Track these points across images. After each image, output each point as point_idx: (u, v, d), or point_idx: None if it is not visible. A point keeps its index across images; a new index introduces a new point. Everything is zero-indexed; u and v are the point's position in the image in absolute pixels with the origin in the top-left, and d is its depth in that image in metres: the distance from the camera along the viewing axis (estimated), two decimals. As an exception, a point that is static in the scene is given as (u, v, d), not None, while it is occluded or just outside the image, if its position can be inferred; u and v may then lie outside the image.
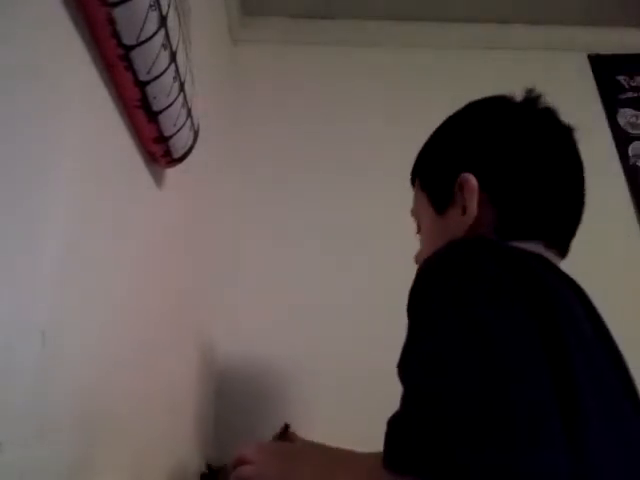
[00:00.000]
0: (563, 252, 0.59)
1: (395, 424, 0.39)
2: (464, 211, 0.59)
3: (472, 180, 0.58)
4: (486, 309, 0.40)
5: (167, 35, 0.58)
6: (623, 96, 1.50)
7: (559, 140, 0.60)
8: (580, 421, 0.36)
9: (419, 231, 0.71)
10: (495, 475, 0.32)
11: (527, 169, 0.58)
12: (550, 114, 0.62)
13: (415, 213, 0.72)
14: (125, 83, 0.58)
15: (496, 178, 0.58)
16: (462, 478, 0.32)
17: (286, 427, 0.88)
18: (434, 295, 0.44)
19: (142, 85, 0.58)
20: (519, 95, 0.63)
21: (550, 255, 0.56)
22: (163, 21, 0.56)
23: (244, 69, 1.51)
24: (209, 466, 0.95)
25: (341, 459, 0.61)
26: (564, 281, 0.51)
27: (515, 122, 0.61)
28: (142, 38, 0.54)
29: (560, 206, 0.59)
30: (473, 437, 0.33)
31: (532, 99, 0.62)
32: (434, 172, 0.66)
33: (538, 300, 0.41)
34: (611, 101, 1.49)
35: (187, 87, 0.68)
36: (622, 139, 1.44)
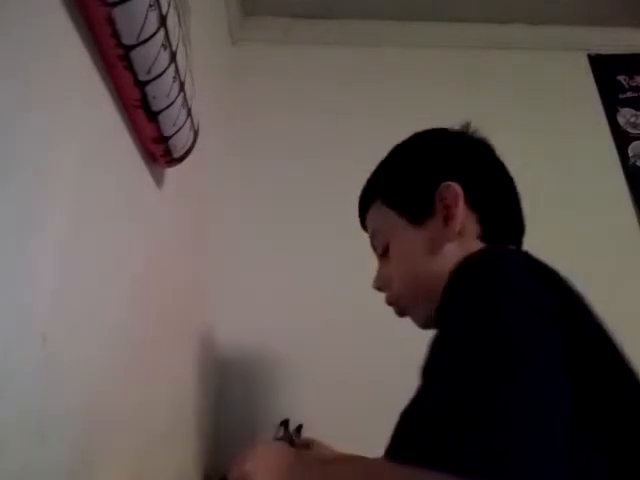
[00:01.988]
0: None
1: (419, 421, 0.40)
2: (446, 220, 0.60)
3: (456, 187, 0.59)
4: (518, 321, 0.41)
5: (167, 35, 0.58)
6: (623, 96, 1.50)
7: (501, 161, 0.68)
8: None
9: (383, 254, 0.69)
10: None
11: (498, 179, 0.65)
12: (488, 143, 0.68)
13: (378, 238, 0.70)
14: (125, 83, 0.58)
15: (476, 186, 0.62)
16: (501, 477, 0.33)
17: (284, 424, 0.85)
18: (468, 303, 0.45)
19: (142, 85, 0.58)
20: (458, 126, 0.69)
21: None
22: (163, 21, 0.56)
23: (244, 69, 1.51)
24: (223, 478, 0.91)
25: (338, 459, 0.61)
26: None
27: (464, 144, 0.68)
28: (142, 38, 0.54)
29: (519, 214, 0.66)
30: (492, 441, 0.34)
31: (471, 130, 0.69)
32: (406, 186, 0.66)
33: (571, 320, 0.43)
34: (611, 101, 1.48)
35: (187, 87, 0.68)
36: (622, 139, 1.44)
